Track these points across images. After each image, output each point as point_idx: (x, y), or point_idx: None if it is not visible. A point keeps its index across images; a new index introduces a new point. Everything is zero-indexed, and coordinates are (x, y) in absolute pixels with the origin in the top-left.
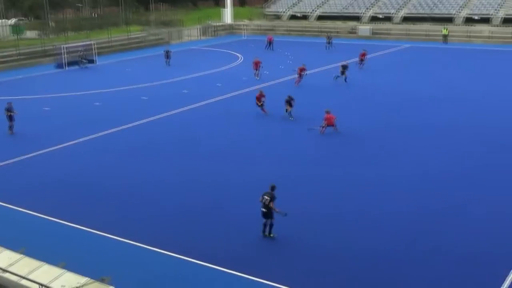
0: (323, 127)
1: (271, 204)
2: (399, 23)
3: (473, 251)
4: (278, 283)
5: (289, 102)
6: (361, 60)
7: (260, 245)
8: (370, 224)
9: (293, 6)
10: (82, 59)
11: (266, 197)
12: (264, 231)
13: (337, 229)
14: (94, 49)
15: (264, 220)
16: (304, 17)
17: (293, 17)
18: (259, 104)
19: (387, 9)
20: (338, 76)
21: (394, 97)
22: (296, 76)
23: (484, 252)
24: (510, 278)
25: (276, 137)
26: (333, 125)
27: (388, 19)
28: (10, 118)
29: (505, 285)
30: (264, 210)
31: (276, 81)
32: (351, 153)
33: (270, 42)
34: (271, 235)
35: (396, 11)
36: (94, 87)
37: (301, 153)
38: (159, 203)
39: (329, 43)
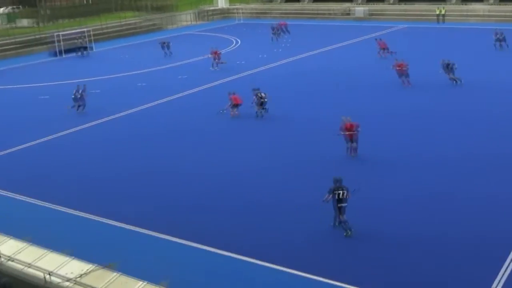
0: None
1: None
2: (394, 4)
3: None
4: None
5: None
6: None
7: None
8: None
9: None
10: (81, 47)
11: (343, 190)
12: (335, 224)
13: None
14: (89, 36)
15: (338, 215)
16: (298, 0)
17: (287, 0)
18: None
19: None
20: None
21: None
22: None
23: None
24: None
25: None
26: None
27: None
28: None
29: None
30: (344, 204)
31: (274, 64)
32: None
33: (281, 29)
34: (349, 232)
35: None
36: (91, 74)
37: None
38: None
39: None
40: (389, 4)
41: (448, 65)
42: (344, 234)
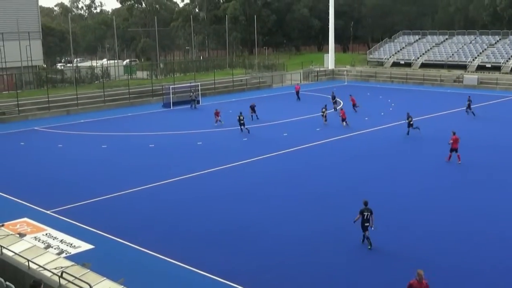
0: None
1: (372, 218)
2: (508, 73)
3: None
4: None
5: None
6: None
7: None
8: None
9: (396, 53)
10: (193, 100)
11: (368, 212)
12: (363, 241)
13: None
14: (199, 91)
15: (363, 232)
16: (407, 65)
17: (395, 64)
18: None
19: (496, 58)
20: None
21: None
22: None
23: None
24: None
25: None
26: (456, 148)
27: (496, 68)
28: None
29: None
30: (367, 224)
31: (376, 128)
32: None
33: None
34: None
35: (506, 60)
36: (197, 127)
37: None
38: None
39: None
40: (505, 73)
41: None
42: (369, 247)
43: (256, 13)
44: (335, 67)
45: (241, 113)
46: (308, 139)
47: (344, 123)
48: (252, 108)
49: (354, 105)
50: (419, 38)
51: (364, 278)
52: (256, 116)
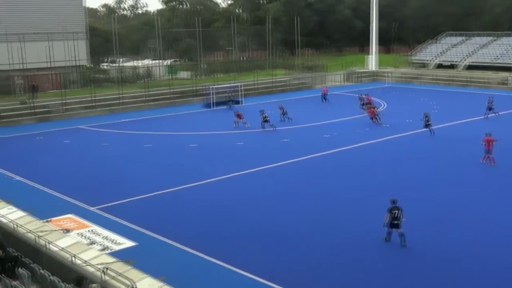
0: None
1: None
2: None
3: None
4: None
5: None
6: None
7: None
8: None
9: (441, 55)
10: (230, 100)
11: (397, 210)
12: (386, 239)
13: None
14: (241, 91)
15: (390, 230)
16: (452, 66)
17: (440, 66)
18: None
19: None
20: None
21: None
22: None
23: None
24: None
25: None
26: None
27: None
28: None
29: None
30: (395, 222)
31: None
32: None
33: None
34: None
35: None
36: (237, 128)
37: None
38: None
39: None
40: None
41: None
42: (402, 243)
43: (298, 14)
44: (377, 68)
45: (264, 111)
46: (350, 141)
47: (376, 120)
48: (282, 109)
49: (368, 103)
50: (464, 40)
51: (401, 281)
52: (288, 117)
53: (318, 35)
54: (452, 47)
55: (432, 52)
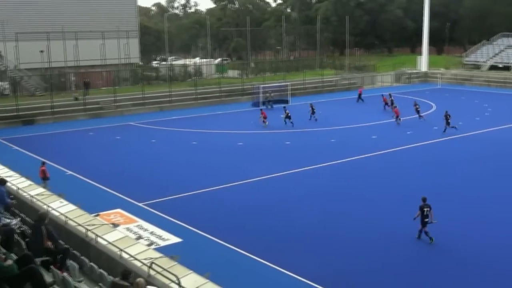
0: None
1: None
2: None
3: None
4: None
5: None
6: None
7: None
8: None
9: (495, 56)
10: (269, 101)
11: (427, 208)
12: (419, 236)
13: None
14: (289, 90)
15: (422, 228)
16: (506, 68)
17: (493, 68)
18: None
19: None
20: None
21: None
22: None
23: None
24: None
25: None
26: None
27: None
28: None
29: None
30: (426, 220)
31: (470, 133)
32: None
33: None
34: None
35: None
36: (285, 127)
37: None
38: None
39: None
40: None
41: None
42: (430, 241)
43: (348, 14)
44: (428, 69)
45: (285, 107)
46: (398, 142)
47: (398, 120)
48: (312, 107)
49: (386, 104)
50: None
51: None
52: (315, 117)
53: (368, 35)
54: (506, 48)
55: (486, 53)
